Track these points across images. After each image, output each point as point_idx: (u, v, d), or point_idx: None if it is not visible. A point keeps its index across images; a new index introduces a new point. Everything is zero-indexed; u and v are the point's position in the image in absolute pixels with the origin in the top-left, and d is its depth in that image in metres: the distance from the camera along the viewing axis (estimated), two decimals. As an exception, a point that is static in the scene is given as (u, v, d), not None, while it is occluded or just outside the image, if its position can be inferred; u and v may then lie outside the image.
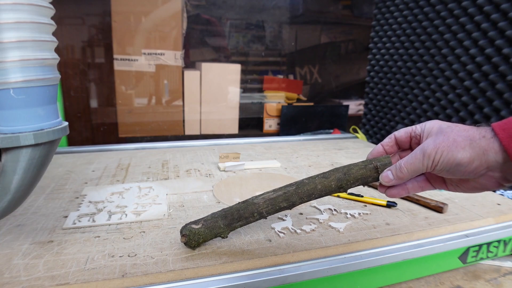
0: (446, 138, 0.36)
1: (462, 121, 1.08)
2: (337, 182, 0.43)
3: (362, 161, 0.44)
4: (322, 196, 0.45)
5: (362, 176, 0.43)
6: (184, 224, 0.47)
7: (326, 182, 0.43)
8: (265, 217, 0.46)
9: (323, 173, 0.45)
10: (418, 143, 0.41)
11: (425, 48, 1.22)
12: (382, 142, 0.44)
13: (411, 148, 0.43)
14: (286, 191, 0.45)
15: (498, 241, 0.55)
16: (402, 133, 0.43)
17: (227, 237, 0.47)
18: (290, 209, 0.46)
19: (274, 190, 0.46)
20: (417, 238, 0.52)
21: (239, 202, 0.47)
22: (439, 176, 0.40)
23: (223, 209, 0.48)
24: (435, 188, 0.42)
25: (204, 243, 0.47)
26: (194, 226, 0.45)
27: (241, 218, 0.46)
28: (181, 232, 0.45)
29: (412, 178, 0.42)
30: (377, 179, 0.43)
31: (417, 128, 0.41)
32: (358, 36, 2.63)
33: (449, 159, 0.35)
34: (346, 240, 0.50)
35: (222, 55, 2.19)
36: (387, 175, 0.41)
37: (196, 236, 0.45)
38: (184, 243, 0.45)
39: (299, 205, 0.55)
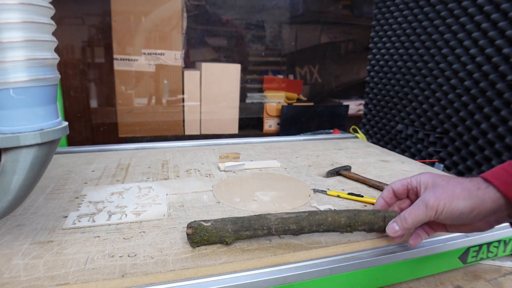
0: (445, 190, 0.41)
1: (462, 121, 1.08)
2: (346, 220, 0.47)
3: (372, 209, 0.49)
4: (330, 231, 0.48)
5: (370, 221, 0.47)
6: (190, 221, 0.47)
7: (337, 217, 0.47)
8: (273, 235, 0.48)
9: (336, 210, 0.50)
10: (416, 194, 0.47)
11: (425, 48, 1.21)
12: (382, 195, 0.49)
13: (408, 198, 0.49)
14: (298, 215, 0.48)
15: (498, 241, 0.55)
16: (398, 185, 0.48)
17: (230, 243, 0.47)
18: (297, 235, 0.49)
19: (288, 212, 0.49)
20: (417, 238, 0.52)
21: (253, 215, 0.48)
22: (440, 223, 0.45)
23: (234, 216, 0.48)
24: (436, 232, 0.48)
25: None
26: (203, 222, 0.46)
27: (250, 228, 0.46)
28: (188, 224, 0.45)
29: (420, 226, 0.46)
30: (383, 228, 0.47)
31: (413, 181, 0.46)
32: (358, 36, 2.63)
33: (452, 209, 0.40)
34: (346, 240, 0.50)
35: (222, 56, 2.18)
36: (393, 227, 0.45)
37: (202, 232, 0.45)
38: (188, 235, 0.45)
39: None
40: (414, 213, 0.43)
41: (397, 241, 0.48)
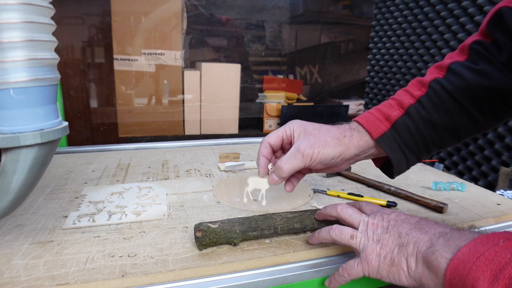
0: (317, 139, 0.45)
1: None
2: None
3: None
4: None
5: None
6: (198, 223, 0.46)
7: None
8: (278, 234, 0.48)
9: None
10: (289, 143, 0.49)
11: (425, 48, 1.22)
12: (262, 154, 0.49)
13: (282, 149, 0.51)
14: (302, 214, 0.50)
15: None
16: (275, 139, 0.49)
17: (238, 244, 0.47)
18: (298, 234, 0.50)
19: (291, 212, 0.50)
20: (417, 238, 0.52)
21: (258, 215, 0.49)
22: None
23: (240, 217, 0.48)
24: (304, 175, 0.53)
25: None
26: (211, 225, 0.45)
27: (258, 228, 0.47)
28: (197, 227, 0.45)
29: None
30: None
31: (286, 130, 0.49)
32: (358, 36, 2.64)
33: (324, 156, 0.45)
34: (346, 240, 0.50)
35: (222, 56, 2.18)
36: (273, 178, 0.48)
37: (211, 235, 0.44)
38: (198, 238, 0.44)
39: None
40: (290, 162, 0.45)
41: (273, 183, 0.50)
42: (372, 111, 0.48)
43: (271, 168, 0.49)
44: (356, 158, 0.48)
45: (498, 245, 0.30)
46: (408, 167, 0.49)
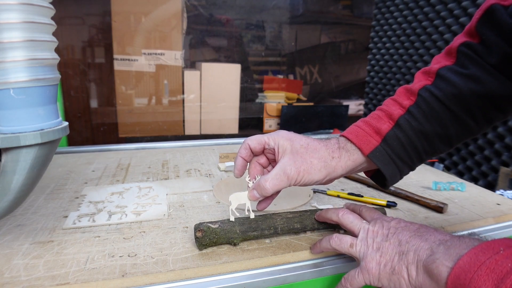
0: (304, 161, 0.44)
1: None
2: None
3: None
4: (331, 228, 0.50)
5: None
6: (198, 223, 0.46)
7: None
8: (278, 234, 0.49)
9: None
10: (272, 154, 0.47)
11: (425, 48, 1.22)
12: (240, 154, 0.48)
13: (264, 154, 0.49)
14: (302, 214, 0.50)
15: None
16: (255, 143, 0.47)
17: (238, 244, 0.47)
18: (298, 234, 0.50)
19: (291, 212, 0.50)
20: (417, 238, 0.52)
21: (258, 215, 0.49)
22: None
23: (240, 217, 0.48)
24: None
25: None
26: (211, 225, 0.45)
27: (258, 228, 0.47)
28: (197, 227, 0.45)
29: None
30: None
31: (270, 141, 0.46)
32: (358, 36, 2.64)
33: (309, 180, 0.44)
34: (346, 240, 0.50)
35: (222, 56, 2.18)
36: (253, 195, 0.46)
37: (211, 235, 0.45)
38: (198, 238, 0.44)
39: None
40: (273, 183, 0.44)
41: (256, 206, 0.50)
42: (360, 125, 0.47)
43: (248, 180, 0.47)
44: (343, 175, 0.47)
45: (499, 254, 0.30)
46: (401, 178, 0.48)
